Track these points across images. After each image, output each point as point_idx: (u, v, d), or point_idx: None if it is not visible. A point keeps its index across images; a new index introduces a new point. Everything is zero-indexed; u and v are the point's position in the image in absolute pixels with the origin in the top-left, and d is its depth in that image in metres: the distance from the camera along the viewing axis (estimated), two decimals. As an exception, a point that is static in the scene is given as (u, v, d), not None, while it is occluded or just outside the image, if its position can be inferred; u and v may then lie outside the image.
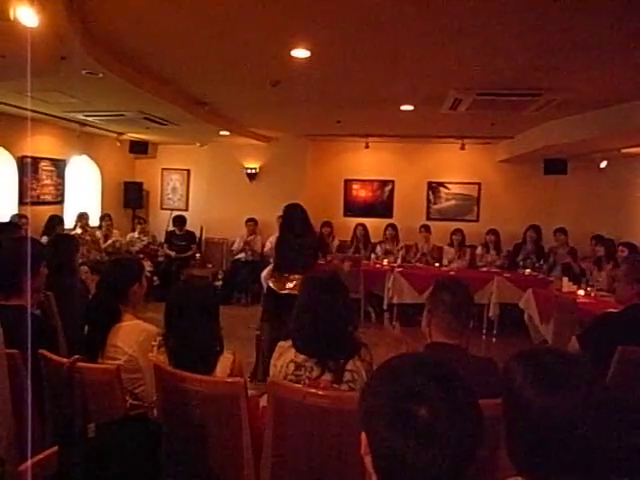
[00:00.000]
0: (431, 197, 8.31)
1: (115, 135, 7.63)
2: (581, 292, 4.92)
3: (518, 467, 0.99)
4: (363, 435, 0.85)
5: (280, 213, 7.56)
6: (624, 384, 2.38)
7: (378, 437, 0.82)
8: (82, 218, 6.95)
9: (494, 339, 5.94)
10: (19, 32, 2.39)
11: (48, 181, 6.81)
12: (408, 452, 0.78)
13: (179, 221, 7.89)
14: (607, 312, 3.09)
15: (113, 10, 2.89)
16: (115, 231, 7.49)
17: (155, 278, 7.00)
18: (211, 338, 2.03)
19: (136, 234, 7.83)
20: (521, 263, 6.58)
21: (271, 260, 7.25)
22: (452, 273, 6.24)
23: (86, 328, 2.31)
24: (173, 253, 7.64)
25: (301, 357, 1.94)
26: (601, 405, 0.94)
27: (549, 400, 0.93)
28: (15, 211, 6.07)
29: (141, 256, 7.12)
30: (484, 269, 6.55)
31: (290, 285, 4.16)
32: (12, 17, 2.27)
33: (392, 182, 8.37)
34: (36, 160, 6.50)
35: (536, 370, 0.99)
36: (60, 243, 3.38)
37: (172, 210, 8.49)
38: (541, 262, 6.44)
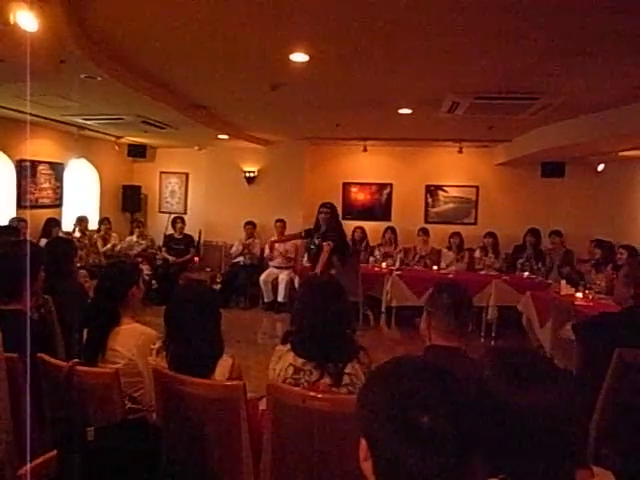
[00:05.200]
0: (429, 200, 8.32)
1: (113, 138, 7.63)
2: (579, 295, 4.93)
3: (498, 468, 0.99)
4: (362, 441, 0.86)
5: (279, 216, 7.64)
6: (621, 386, 2.39)
7: (380, 445, 0.82)
8: (81, 222, 6.94)
9: (492, 342, 5.95)
10: (19, 36, 2.40)
11: (46, 184, 6.81)
12: (411, 459, 0.78)
13: (178, 221, 7.89)
14: (605, 312, 3.09)
15: (112, 14, 2.90)
16: (114, 234, 7.49)
17: (153, 282, 7.00)
18: (212, 342, 2.04)
19: (134, 237, 7.81)
20: (519, 266, 6.60)
21: (270, 264, 7.31)
22: (451, 276, 6.25)
23: (85, 332, 2.31)
24: (171, 258, 7.63)
25: (300, 360, 1.94)
26: (566, 401, 0.96)
27: (517, 395, 0.96)
28: (13, 214, 6.06)
29: (139, 260, 7.11)
30: (482, 272, 6.56)
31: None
32: (12, 21, 2.28)
33: (390, 185, 8.38)
34: (34, 163, 6.50)
35: (505, 367, 1.02)
36: (58, 247, 3.37)
37: (170, 213, 8.48)
38: (539, 265, 6.46)
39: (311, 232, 5.58)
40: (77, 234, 6.76)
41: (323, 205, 5.53)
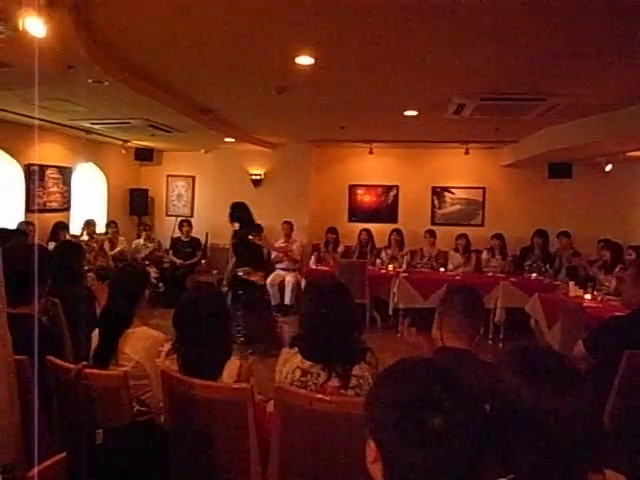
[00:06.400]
0: (436, 202, 8.30)
1: (121, 142, 7.68)
2: (588, 296, 4.89)
3: (509, 469, 0.99)
4: (372, 444, 0.85)
5: (286, 219, 7.67)
6: (631, 388, 2.37)
7: (390, 447, 0.82)
8: (89, 225, 6.99)
9: (500, 344, 5.92)
10: (27, 42, 2.43)
11: (54, 188, 6.86)
12: (423, 461, 0.79)
13: (185, 224, 7.93)
14: (613, 316, 3.07)
15: (119, 20, 2.92)
16: (121, 238, 7.53)
17: (160, 285, 7.03)
18: (221, 344, 2.04)
19: (141, 241, 7.86)
20: (527, 267, 6.56)
21: (277, 266, 7.31)
22: (458, 278, 6.22)
23: (94, 334, 2.33)
24: (179, 261, 7.65)
25: (307, 363, 1.94)
26: (586, 403, 0.95)
27: (536, 396, 0.94)
28: (22, 218, 6.11)
29: (147, 263, 7.15)
30: (490, 274, 6.53)
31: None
32: (21, 28, 2.30)
33: (396, 187, 8.37)
34: (43, 168, 6.55)
35: (524, 366, 1.00)
36: (66, 250, 3.40)
37: (177, 217, 8.53)
38: (547, 267, 6.42)
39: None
40: (85, 237, 6.80)
41: None
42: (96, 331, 2.37)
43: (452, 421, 0.79)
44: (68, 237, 6.39)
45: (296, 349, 2.01)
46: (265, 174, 8.31)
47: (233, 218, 5.53)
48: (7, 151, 6.07)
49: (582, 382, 0.99)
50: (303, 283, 6.83)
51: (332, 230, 7.65)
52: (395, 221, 8.17)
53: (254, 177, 8.29)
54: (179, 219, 8.22)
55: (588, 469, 0.95)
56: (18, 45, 2.56)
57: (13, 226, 5.56)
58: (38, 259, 2.11)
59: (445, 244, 7.33)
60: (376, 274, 6.51)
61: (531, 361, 1.02)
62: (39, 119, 5.63)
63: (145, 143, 7.96)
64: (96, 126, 6.32)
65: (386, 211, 8.37)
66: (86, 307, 2.94)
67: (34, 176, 6.33)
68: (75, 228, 7.05)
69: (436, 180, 8.26)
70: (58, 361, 2.04)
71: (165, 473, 1.80)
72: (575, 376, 1.00)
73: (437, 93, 4.44)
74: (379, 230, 7.62)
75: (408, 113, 5.35)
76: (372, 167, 8.31)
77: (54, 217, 6.69)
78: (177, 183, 9.05)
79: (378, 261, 7.08)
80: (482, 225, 8.09)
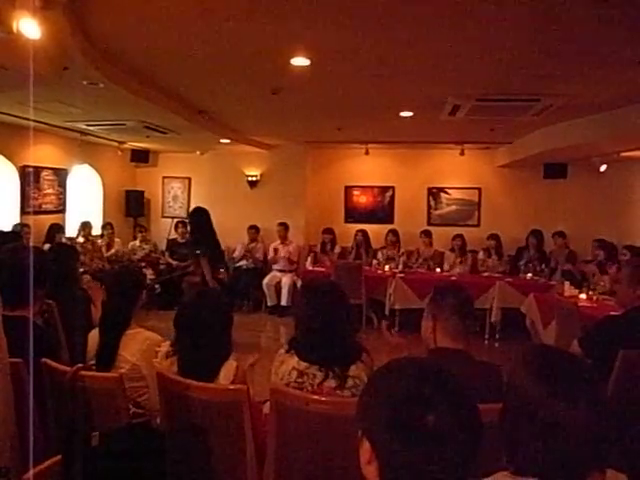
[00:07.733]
0: (432, 202, 8.33)
1: (116, 144, 7.66)
2: (583, 296, 4.90)
3: (512, 462, 0.99)
4: (366, 444, 0.85)
5: (282, 220, 7.67)
6: (626, 387, 2.38)
7: (386, 447, 0.82)
8: (85, 227, 6.97)
9: (496, 344, 5.94)
10: (22, 44, 2.42)
11: (50, 190, 6.83)
12: (418, 459, 0.79)
13: (181, 226, 7.92)
14: (608, 316, 3.09)
15: (114, 21, 2.92)
16: (117, 239, 7.51)
17: (157, 286, 7.01)
18: (222, 346, 2.04)
19: (137, 242, 7.84)
20: (522, 267, 6.58)
21: (274, 267, 7.32)
22: (454, 278, 6.24)
23: (90, 336, 2.32)
24: (175, 262, 7.64)
25: (303, 364, 1.94)
26: (601, 406, 0.95)
27: (550, 397, 0.94)
28: (17, 220, 6.09)
29: (143, 264, 7.13)
30: (486, 274, 6.55)
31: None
32: (15, 30, 2.30)
33: (392, 188, 8.39)
34: (38, 169, 6.53)
35: (539, 368, 1.00)
36: (61, 252, 3.39)
37: (173, 218, 8.51)
38: (543, 267, 6.44)
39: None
40: (80, 239, 6.78)
41: None
42: (92, 333, 2.37)
43: (446, 419, 0.79)
44: (64, 239, 6.37)
45: (292, 350, 2.01)
46: (261, 175, 8.31)
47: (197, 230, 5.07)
48: (2, 153, 6.05)
49: (597, 385, 0.99)
50: (299, 284, 6.84)
51: (328, 231, 7.66)
52: (391, 222, 8.18)
53: (250, 178, 8.29)
54: (175, 220, 8.20)
55: (591, 469, 0.95)
56: (12, 47, 2.55)
57: (8, 228, 5.54)
58: (36, 261, 2.10)
59: (441, 244, 7.35)
60: (372, 275, 6.52)
61: (547, 362, 1.02)
62: (34, 121, 5.60)
63: (141, 144, 7.95)
64: (91, 128, 6.30)
65: (382, 212, 8.39)
66: (82, 309, 2.93)
67: (29, 178, 6.30)
68: (71, 230, 7.03)
69: (432, 181, 8.29)
70: (53, 363, 2.03)
71: (162, 475, 1.80)
72: (590, 379, 0.99)
73: (432, 94, 4.45)
74: (375, 231, 7.64)
75: (404, 114, 5.37)
76: (368, 168, 8.32)
77: (49, 219, 6.67)
78: (173, 184, 9.03)
79: (374, 262, 7.09)
80: (478, 225, 8.12)
